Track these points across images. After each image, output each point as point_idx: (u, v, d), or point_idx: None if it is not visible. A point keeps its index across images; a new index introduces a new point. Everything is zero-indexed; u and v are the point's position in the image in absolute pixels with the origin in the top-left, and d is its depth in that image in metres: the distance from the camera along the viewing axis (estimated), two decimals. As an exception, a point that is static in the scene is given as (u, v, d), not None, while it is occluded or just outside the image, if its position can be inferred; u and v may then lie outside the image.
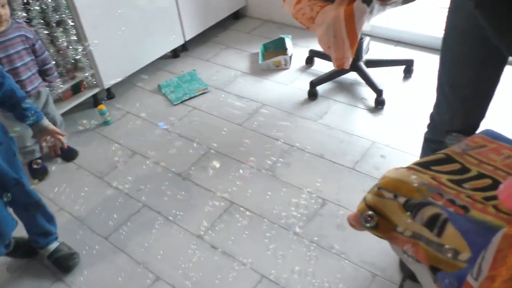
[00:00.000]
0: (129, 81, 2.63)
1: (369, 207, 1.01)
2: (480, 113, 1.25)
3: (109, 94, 2.55)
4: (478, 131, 1.24)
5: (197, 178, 1.98)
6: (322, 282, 1.53)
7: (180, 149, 2.15)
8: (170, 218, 1.82)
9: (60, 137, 1.50)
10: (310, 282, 1.53)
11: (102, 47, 2.31)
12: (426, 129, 1.38)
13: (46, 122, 1.49)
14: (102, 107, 2.36)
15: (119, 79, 2.51)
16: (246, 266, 1.61)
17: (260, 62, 2.67)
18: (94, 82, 2.42)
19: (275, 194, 1.86)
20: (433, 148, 1.27)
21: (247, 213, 1.80)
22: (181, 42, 2.79)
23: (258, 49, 2.78)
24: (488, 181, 0.99)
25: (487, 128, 1.17)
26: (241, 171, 1.98)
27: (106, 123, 2.37)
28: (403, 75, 2.48)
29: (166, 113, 2.40)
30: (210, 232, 1.74)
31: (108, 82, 2.46)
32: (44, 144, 1.49)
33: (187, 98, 2.49)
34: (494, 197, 0.94)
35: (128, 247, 1.72)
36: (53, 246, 1.69)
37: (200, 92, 2.52)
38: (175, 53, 2.84)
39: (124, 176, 2.02)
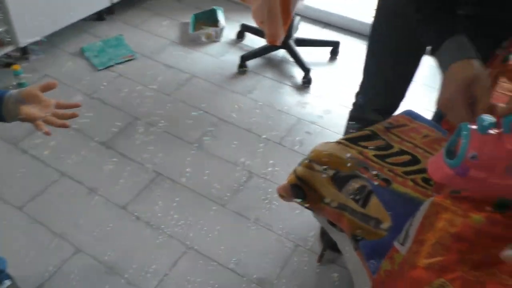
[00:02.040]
0: (49, 42, 2.42)
1: (299, 178, 1.04)
2: (401, 94, 1.32)
3: (25, 53, 2.34)
4: (399, 111, 1.31)
5: (122, 147, 1.90)
6: (248, 252, 1.55)
7: (104, 117, 2.03)
8: (92, 188, 1.73)
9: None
10: (236, 254, 1.55)
11: (19, 0, 2.10)
12: (351, 107, 1.43)
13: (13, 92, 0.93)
14: (16, 67, 2.16)
15: (37, 38, 2.30)
16: (172, 237, 1.58)
17: (190, 31, 2.59)
18: (9, 39, 2.20)
19: (202, 167, 1.84)
20: (356, 126, 1.32)
21: (173, 184, 1.76)
22: (107, 4, 2.62)
23: (189, 18, 2.69)
24: (408, 157, 1.05)
25: (407, 108, 1.24)
26: (168, 142, 1.93)
27: (20, 85, 2.17)
28: (329, 56, 2.55)
29: (89, 78, 2.25)
30: (134, 203, 1.69)
31: (24, 40, 2.25)
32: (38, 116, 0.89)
33: (112, 64, 2.35)
34: (413, 172, 1.01)
35: (45, 218, 1.61)
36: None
37: (126, 59, 2.40)
38: (101, 16, 2.66)
39: (41, 143, 1.87)
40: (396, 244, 0.71)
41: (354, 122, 1.41)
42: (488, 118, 0.57)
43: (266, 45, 2.33)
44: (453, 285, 0.51)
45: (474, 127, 0.58)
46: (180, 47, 2.54)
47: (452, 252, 0.55)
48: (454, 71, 0.78)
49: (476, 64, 0.77)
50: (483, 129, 0.58)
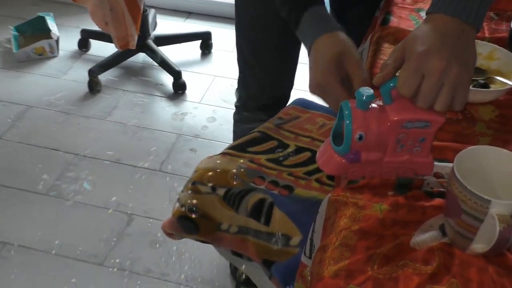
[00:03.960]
0: None
1: (186, 207, 1.06)
2: (288, 82, 1.40)
3: None
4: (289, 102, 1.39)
5: None
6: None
7: None
8: None
9: None
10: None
11: None
12: (234, 110, 1.49)
13: None
14: None
15: None
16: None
17: (15, 50, 2.49)
18: None
19: (66, 221, 1.77)
20: (244, 129, 1.38)
21: (26, 253, 1.68)
22: None
23: (9, 34, 2.58)
24: (307, 155, 1.13)
25: (299, 97, 1.33)
26: (8, 199, 1.84)
27: None
28: (200, 51, 2.61)
29: None
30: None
31: None
32: None
33: None
34: (316, 170, 1.08)
35: None
36: None
37: None
38: None
39: None
40: (303, 258, 0.76)
41: (241, 126, 1.46)
42: (367, 90, 0.64)
43: (118, 51, 2.32)
44: (364, 288, 0.56)
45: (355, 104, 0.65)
46: (4, 73, 2.42)
47: (359, 252, 0.60)
48: (319, 49, 0.84)
49: (341, 36, 0.85)
50: (363, 104, 0.64)
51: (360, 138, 0.64)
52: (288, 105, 1.30)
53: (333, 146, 0.67)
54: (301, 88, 1.46)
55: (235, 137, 1.49)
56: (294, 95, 1.39)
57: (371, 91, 0.64)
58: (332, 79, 0.81)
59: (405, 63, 0.65)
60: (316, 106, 1.27)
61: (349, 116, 0.64)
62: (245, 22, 1.30)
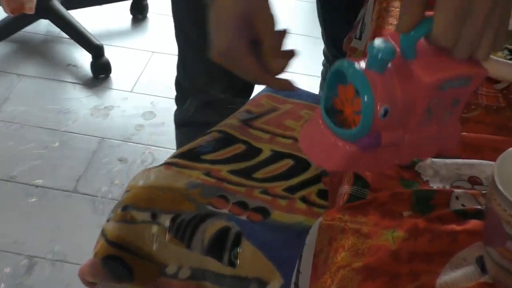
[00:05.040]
0: None
1: (113, 243, 1.06)
2: None
3: None
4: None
5: None
6: None
7: None
8: None
9: None
10: None
11: None
12: (175, 107, 1.50)
13: None
14: None
15: None
16: None
17: None
18: None
19: None
20: (191, 132, 1.38)
21: None
22: None
23: None
24: (288, 163, 1.14)
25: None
26: None
27: None
28: (131, 16, 2.62)
29: None
30: None
31: None
32: None
33: None
34: (302, 185, 1.10)
35: None
36: None
37: None
38: None
39: None
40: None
41: (185, 129, 1.47)
42: (383, 44, 0.64)
43: (8, 17, 2.30)
44: None
45: (363, 65, 0.65)
46: None
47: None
48: (221, 6, 0.89)
49: None
50: (381, 65, 0.64)
51: (385, 113, 0.64)
52: (260, 93, 1.31)
53: (333, 129, 0.67)
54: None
55: (179, 144, 1.49)
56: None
57: (390, 44, 0.64)
58: (239, 45, 0.88)
59: (440, 1, 0.66)
60: (300, 93, 1.28)
61: (367, 84, 0.64)
62: None
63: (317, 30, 1.76)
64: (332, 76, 0.67)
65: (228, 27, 0.88)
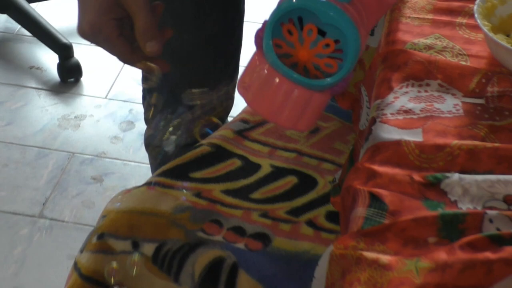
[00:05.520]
0: None
1: (88, 278, 1.06)
2: (230, 59, 1.42)
3: None
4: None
5: None
6: None
7: None
8: None
9: None
10: None
11: None
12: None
13: None
14: None
15: None
16: None
17: None
18: None
19: None
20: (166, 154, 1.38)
21: None
22: None
23: None
24: (292, 180, 1.14)
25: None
26: None
27: None
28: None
29: None
30: None
31: None
32: None
33: None
34: (308, 206, 1.10)
35: None
36: None
37: None
38: None
39: None
40: None
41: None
42: None
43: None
44: None
45: None
46: None
47: None
48: None
49: None
50: None
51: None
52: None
53: (303, 81, 0.70)
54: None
55: (154, 162, 1.48)
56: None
57: None
58: (105, 22, 0.91)
59: None
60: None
61: (349, 21, 0.68)
62: None
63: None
64: (276, 18, 0.70)
65: (93, 3, 0.91)
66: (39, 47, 2.43)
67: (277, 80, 0.71)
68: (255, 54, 0.76)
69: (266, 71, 0.73)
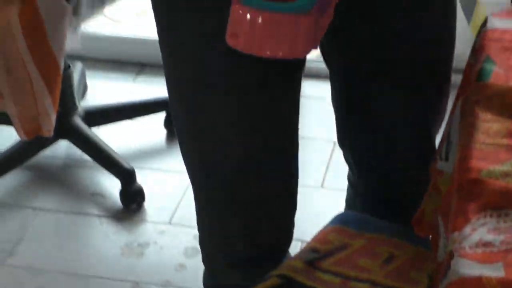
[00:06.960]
0: None
1: None
2: (288, 204, 1.37)
3: None
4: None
5: None
6: None
7: None
8: None
9: None
10: None
11: None
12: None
13: None
14: None
15: None
16: None
17: None
18: None
19: None
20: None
21: None
22: None
23: None
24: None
25: (342, 211, 1.35)
26: None
27: None
28: (165, 131, 2.68)
29: None
30: None
31: None
32: None
33: None
34: None
35: None
36: None
37: None
38: None
39: None
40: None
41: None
42: None
43: (22, 141, 2.35)
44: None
45: None
46: None
47: None
48: None
49: None
50: None
51: None
52: (326, 226, 1.32)
53: (280, 8, 0.72)
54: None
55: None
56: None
57: None
58: None
59: None
60: (376, 224, 1.29)
61: None
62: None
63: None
64: None
65: None
66: (100, 173, 2.46)
67: (261, 16, 0.75)
68: (234, 5, 0.80)
69: (249, 15, 0.75)
